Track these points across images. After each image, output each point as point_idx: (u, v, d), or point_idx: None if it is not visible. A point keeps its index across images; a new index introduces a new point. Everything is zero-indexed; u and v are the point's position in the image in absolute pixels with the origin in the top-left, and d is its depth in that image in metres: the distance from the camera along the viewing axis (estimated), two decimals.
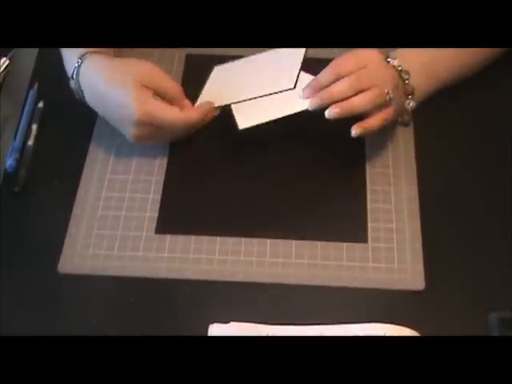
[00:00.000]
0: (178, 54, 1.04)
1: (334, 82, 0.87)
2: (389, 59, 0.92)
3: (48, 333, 0.80)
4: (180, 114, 0.91)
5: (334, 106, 0.86)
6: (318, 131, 0.94)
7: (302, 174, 0.94)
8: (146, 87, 0.89)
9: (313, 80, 0.90)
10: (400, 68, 0.92)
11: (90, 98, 0.92)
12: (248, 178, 0.94)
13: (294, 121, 0.92)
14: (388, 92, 0.87)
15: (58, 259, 0.87)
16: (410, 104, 0.92)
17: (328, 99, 0.87)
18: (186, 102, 0.93)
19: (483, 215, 0.90)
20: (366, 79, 0.87)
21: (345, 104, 0.86)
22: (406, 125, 0.95)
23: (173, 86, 0.92)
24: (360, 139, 0.92)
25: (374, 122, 0.88)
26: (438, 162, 0.94)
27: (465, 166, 0.94)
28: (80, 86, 0.92)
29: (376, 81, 0.87)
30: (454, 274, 0.85)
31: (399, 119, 0.94)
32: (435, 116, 0.98)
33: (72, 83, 0.93)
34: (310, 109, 0.88)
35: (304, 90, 0.89)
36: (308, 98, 0.88)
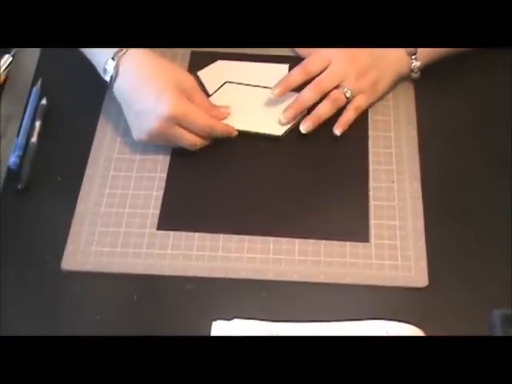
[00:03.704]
0: (182, 52, 1.04)
1: (303, 80, 0.96)
2: None
3: (51, 329, 0.80)
4: (208, 120, 0.93)
5: (305, 121, 0.95)
6: (319, 129, 0.94)
7: (305, 172, 0.94)
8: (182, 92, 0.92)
9: (284, 80, 0.97)
10: None
11: (125, 81, 0.92)
12: (251, 176, 0.94)
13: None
14: (345, 91, 0.95)
15: (62, 256, 0.87)
16: (413, 63, 0.98)
17: (300, 109, 0.96)
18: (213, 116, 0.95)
19: (487, 212, 0.90)
20: (327, 81, 0.96)
21: (313, 117, 0.95)
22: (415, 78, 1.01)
23: (204, 101, 0.95)
24: (363, 136, 0.94)
25: (320, 110, 0.95)
26: (442, 159, 0.94)
27: (469, 163, 0.94)
28: (118, 68, 0.91)
29: (337, 78, 0.96)
30: (458, 272, 0.85)
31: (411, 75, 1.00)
32: (439, 113, 0.98)
33: (109, 62, 0.92)
34: (284, 122, 0.95)
35: (276, 87, 0.96)
36: (280, 92, 0.96)
